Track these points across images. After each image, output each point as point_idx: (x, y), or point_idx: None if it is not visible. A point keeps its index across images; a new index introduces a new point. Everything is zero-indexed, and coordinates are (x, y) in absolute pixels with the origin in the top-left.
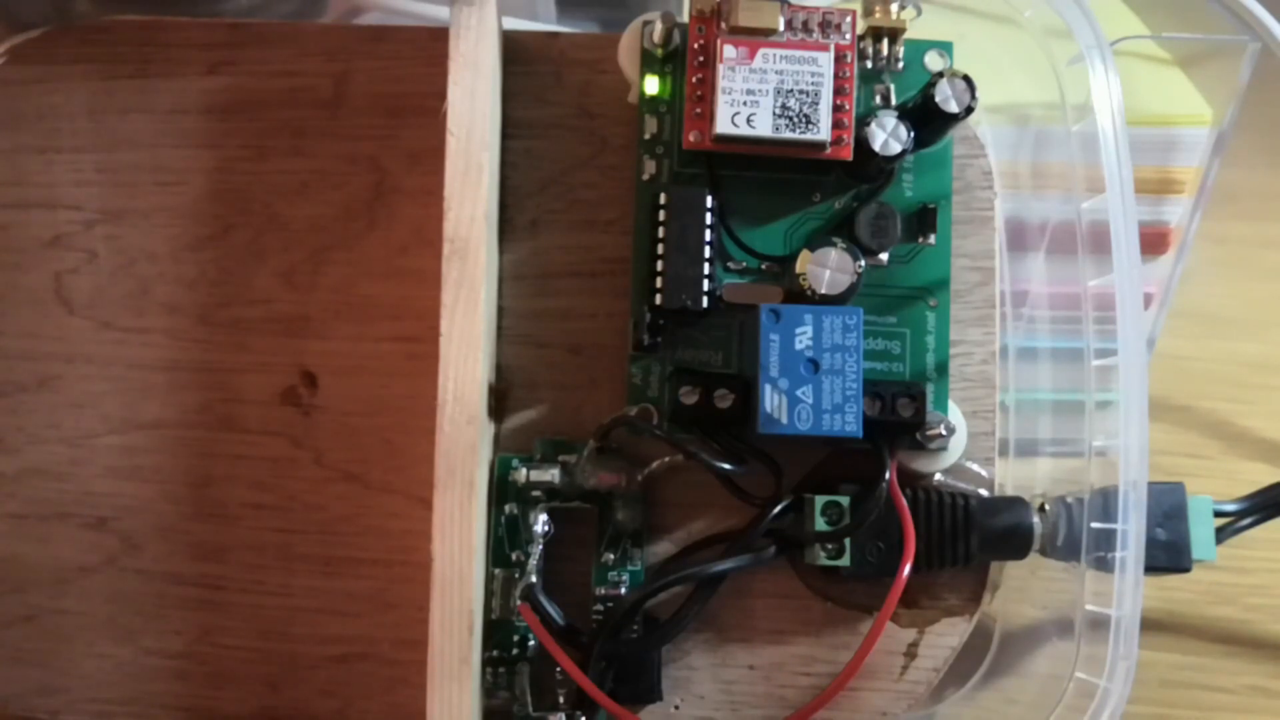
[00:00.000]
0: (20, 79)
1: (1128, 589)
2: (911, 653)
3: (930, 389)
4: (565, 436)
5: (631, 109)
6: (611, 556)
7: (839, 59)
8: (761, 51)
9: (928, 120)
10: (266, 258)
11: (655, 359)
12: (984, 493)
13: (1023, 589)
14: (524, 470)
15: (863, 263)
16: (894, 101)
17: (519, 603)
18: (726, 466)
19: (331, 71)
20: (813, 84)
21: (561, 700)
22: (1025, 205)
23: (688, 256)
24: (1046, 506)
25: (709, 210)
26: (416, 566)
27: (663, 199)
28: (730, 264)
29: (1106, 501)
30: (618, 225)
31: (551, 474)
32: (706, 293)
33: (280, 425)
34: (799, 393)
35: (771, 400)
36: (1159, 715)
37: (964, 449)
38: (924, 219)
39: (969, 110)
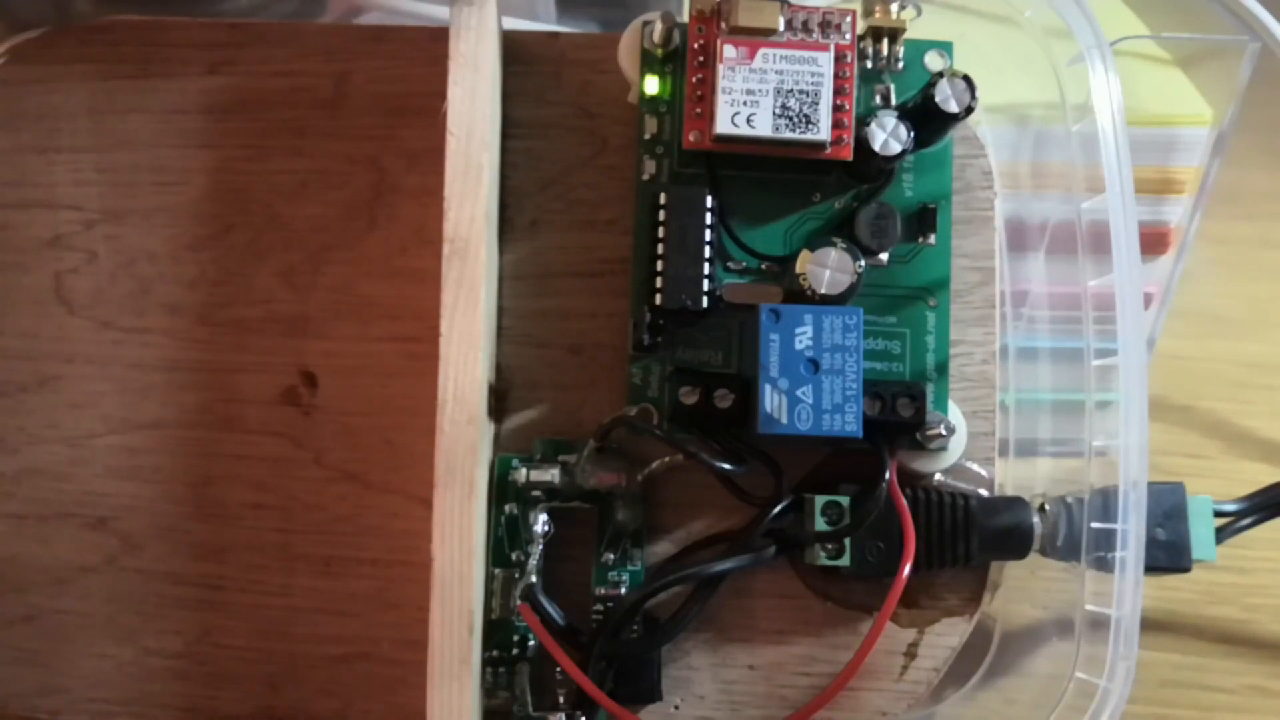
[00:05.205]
0: (20, 79)
1: (1128, 589)
2: (911, 653)
3: (930, 389)
4: (565, 436)
5: (631, 109)
6: (611, 556)
7: (839, 59)
8: (761, 51)
9: (928, 120)
10: (266, 258)
11: (655, 359)
12: (984, 493)
13: (1023, 589)
14: (524, 470)
15: (863, 263)
16: (894, 101)
17: (519, 603)
18: (726, 466)
19: (331, 71)
20: (813, 84)
21: (561, 700)
22: (1025, 205)
23: (688, 256)
24: (1046, 506)
25: (709, 210)
26: (416, 566)
27: (663, 199)
28: (730, 264)
29: (1106, 501)
30: (618, 225)
31: (551, 474)
32: (706, 293)
33: (280, 425)
34: (799, 393)
35: (771, 400)
36: (1159, 715)
37: (964, 449)
38: (924, 219)
39: (969, 110)
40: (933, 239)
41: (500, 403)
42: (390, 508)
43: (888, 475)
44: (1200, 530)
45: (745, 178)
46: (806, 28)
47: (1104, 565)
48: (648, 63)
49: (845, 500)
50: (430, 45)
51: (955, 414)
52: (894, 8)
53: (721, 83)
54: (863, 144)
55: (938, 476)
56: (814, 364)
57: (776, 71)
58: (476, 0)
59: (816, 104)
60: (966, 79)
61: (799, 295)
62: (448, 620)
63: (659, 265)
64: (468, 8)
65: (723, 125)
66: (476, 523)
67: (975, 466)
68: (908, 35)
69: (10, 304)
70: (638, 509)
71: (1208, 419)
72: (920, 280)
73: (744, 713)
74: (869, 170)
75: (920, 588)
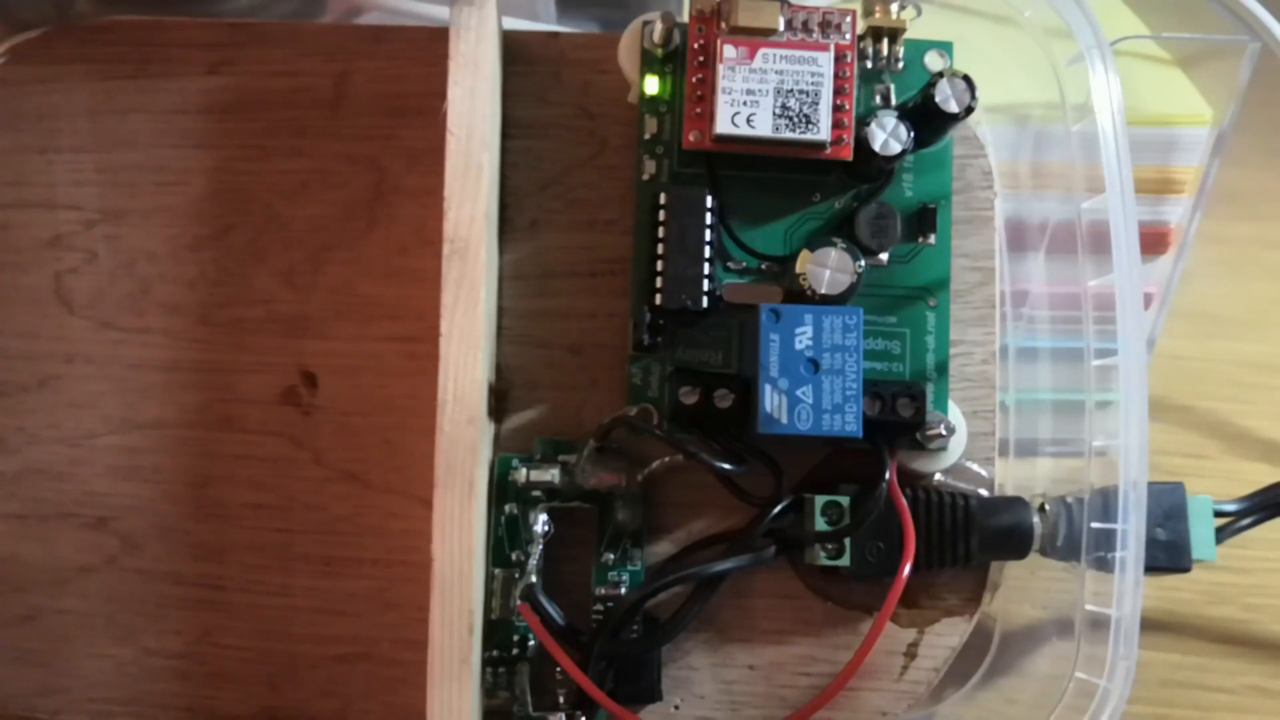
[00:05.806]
0: (20, 79)
1: (1128, 589)
2: (911, 653)
3: (930, 389)
4: (565, 436)
5: (631, 109)
6: (611, 556)
7: (839, 59)
8: (761, 51)
9: (928, 120)
10: (266, 258)
11: (655, 359)
12: (984, 493)
13: (1023, 589)
14: (524, 470)
15: (863, 263)
16: (894, 101)
17: (519, 603)
18: (726, 466)
19: (331, 71)
20: (813, 84)
21: (561, 700)
22: (1025, 205)
23: (688, 256)
24: (1046, 506)
25: (709, 210)
26: (416, 566)
27: (663, 199)
28: (730, 264)
29: (1106, 501)
30: (618, 225)
31: (551, 474)
32: (706, 293)
33: (280, 425)
34: (799, 393)
35: (771, 400)
36: (1159, 715)
37: (964, 449)
38: (924, 219)
39: (969, 110)
40: (933, 239)
41: (500, 403)
42: (390, 508)
43: (888, 475)
44: (1200, 530)
45: (745, 178)
46: (806, 28)
47: (1104, 565)
48: (648, 63)
49: (845, 500)
50: (430, 45)
51: (955, 414)
52: (894, 8)
53: (721, 83)
54: (863, 144)
55: (938, 476)
56: (814, 364)
57: (776, 71)
58: (476, 0)
59: (816, 104)
60: (966, 79)
61: (799, 295)
62: (448, 620)
63: (659, 265)
64: (468, 8)
65: (723, 125)
66: (476, 523)
67: (975, 466)
68: (908, 35)
69: (10, 304)
70: (638, 509)
71: (1208, 419)
72: (920, 280)
73: (744, 713)
74: (869, 170)
75: (920, 588)
